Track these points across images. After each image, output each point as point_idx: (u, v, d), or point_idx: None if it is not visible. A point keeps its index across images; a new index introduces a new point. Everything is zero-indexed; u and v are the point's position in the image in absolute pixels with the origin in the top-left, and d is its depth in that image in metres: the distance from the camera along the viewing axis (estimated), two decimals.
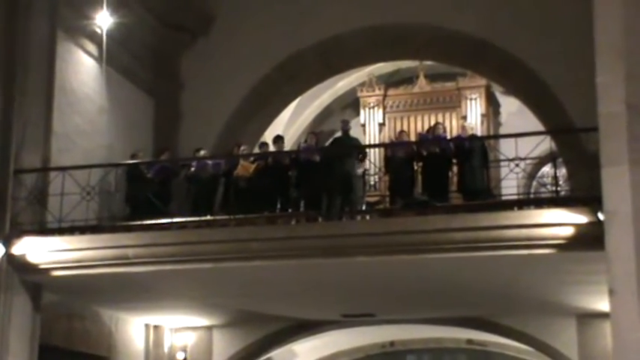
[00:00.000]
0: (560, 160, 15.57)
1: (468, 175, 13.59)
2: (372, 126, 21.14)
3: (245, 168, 14.14)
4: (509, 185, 13.93)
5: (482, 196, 13.32)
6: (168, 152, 15.35)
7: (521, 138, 12.56)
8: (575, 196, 13.35)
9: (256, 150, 15.63)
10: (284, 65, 16.81)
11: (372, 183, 19.04)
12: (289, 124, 21.30)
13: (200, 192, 14.23)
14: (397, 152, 13.92)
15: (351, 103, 22.31)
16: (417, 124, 20.61)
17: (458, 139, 14.35)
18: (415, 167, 14.54)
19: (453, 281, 12.56)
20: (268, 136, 16.78)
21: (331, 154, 13.78)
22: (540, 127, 15.80)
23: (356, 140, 14.66)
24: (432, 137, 14.58)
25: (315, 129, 20.93)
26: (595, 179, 9.78)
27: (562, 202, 12.05)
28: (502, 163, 13.52)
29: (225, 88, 16.65)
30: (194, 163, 14.59)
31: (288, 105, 18.83)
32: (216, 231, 12.70)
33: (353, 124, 18.44)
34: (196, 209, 13.80)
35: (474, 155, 13.63)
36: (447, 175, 13.89)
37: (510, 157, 12.31)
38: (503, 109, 21.89)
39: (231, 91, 16.66)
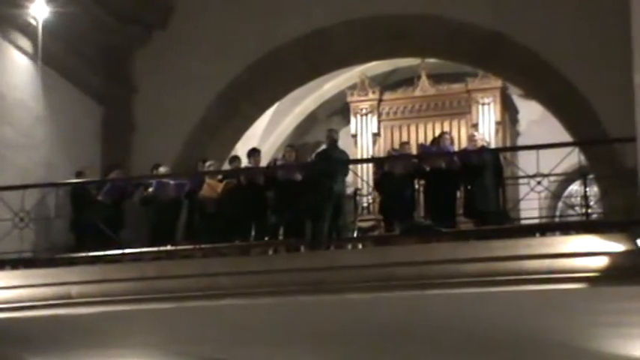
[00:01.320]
0: (591, 176, 15.63)
1: (478, 195, 13.64)
2: (364, 137, 21.19)
3: (212, 188, 14.17)
4: (530, 207, 13.93)
5: (497, 220, 13.35)
6: (120, 169, 15.32)
7: (543, 150, 12.60)
8: (609, 219, 13.41)
9: (226, 166, 15.61)
10: (258, 65, 16.82)
11: (365, 205, 19.07)
12: (265, 136, 21.33)
13: (159, 217, 14.23)
14: (395, 168, 13.93)
15: (339, 110, 22.38)
16: (419, 134, 20.66)
17: (464, 152, 14.40)
18: (417, 185, 14.60)
19: (462, 323, 12.54)
20: (240, 150, 16.78)
21: (315, 171, 13.77)
22: (567, 138, 15.88)
23: (345, 154, 14.69)
24: (435, 150, 14.62)
25: (297, 141, 20.97)
26: (633, 199, 9.82)
27: (593, 227, 12.02)
28: (521, 181, 13.56)
29: (188, 93, 16.63)
30: (152, 183, 14.57)
31: (264, 112, 18.84)
32: (179, 264, 12.67)
33: (342, 134, 18.53)
34: (155, 238, 13.79)
35: (485, 171, 13.66)
36: (454, 195, 13.92)
37: (531, 173, 12.34)
38: (521, 116, 22.00)
39: (195, 97, 16.65)
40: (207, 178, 14.48)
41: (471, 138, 15.17)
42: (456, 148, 16.05)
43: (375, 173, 15.38)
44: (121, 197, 14.59)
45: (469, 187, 14.01)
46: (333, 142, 14.48)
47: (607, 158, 14.13)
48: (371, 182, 17.54)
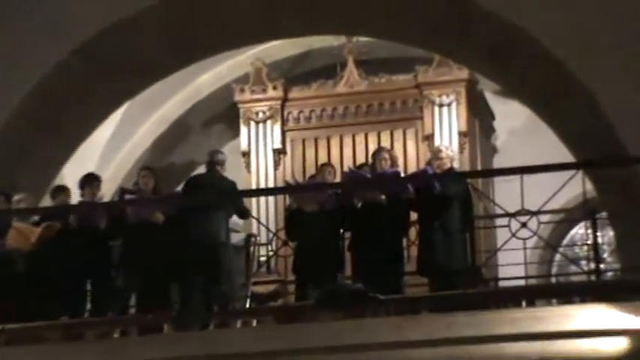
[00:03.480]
0: (601, 214, 15.79)
1: (439, 244, 13.70)
2: (261, 155, 21.27)
3: (23, 235, 14.05)
4: (513, 261, 14.03)
5: (464, 280, 13.39)
6: None
7: (530, 175, 12.67)
8: (629, 280, 13.53)
9: (46, 202, 15.43)
10: (95, 47, 16.64)
11: (264, 259, 19.07)
12: (108, 154, 21.27)
13: None
14: (306, 204, 13.91)
15: (222, 115, 22.44)
16: (344, 151, 20.79)
17: (423, 178, 14.44)
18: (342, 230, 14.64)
19: None
20: (69, 177, 16.61)
21: (185, 208, 13.69)
22: (565, 156, 16.00)
23: (230, 183, 14.67)
24: (372, 175, 14.70)
25: (158, 162, 20.91)
26: None
27: (607, 292, 12.20)
28: (498, 222, 13.60)
29: None
30: None
31: (106, 119, 18.66)
32: None
33: (228, 151, 18.47)
34: None
35: (452, 207, 13.69)
36: (398, 245, 13.95)
37: (512, 209, 12.43)
38: (498, 124, 22.24)
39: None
40: (14, 219, 14.27)
41: (436, 154, 15.06)
42: (401, 172, 16.14)
43: (286, 210, 15.42)
44: None
45: (424, 232, 14.03)
46: (213, 166, 14.47)
47: (625, 188, 14.25)
48: (271, 225, 17.53)
